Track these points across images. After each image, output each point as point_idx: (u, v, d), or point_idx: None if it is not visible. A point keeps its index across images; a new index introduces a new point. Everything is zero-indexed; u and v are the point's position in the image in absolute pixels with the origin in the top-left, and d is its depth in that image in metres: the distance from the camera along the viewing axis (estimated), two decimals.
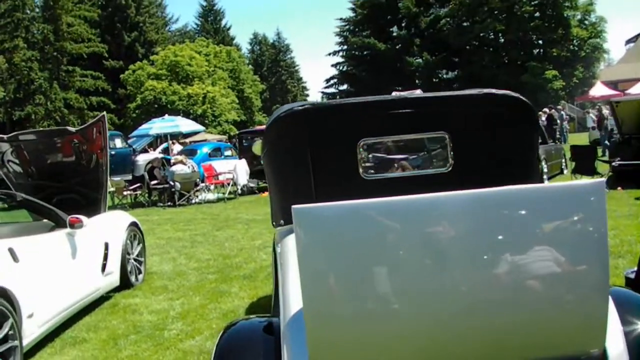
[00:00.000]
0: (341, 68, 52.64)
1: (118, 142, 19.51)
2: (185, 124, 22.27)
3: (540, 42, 45.14)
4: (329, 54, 53.77)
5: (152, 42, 50.95)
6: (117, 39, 48.95)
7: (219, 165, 18.28)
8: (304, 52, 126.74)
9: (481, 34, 46.28)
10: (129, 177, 17.95)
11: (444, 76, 50.52)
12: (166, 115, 25.20)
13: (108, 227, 6.99)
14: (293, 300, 2.65)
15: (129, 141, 23.74)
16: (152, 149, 25.06)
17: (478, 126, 3.60)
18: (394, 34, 50.03)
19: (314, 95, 69.31)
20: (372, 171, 3.73)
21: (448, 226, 2.25)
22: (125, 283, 7.10)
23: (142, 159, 19.56)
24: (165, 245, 10.10)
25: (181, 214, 14.32)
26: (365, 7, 48.93)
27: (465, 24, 46.34)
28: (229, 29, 63.44)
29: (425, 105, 3.74)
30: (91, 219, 6.32)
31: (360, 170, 3.59)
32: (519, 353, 2.32)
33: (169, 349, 5.17)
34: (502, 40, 46.40)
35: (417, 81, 45.39)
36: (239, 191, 17.20)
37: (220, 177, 17.45)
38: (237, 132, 40.57)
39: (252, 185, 17.93)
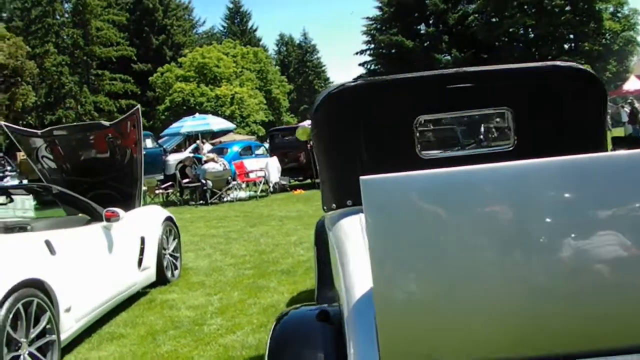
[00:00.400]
0: (369, 67, 52.25)
1: (149, 142, 19.47)
2: (215, 122, 22.18)
3: (572, 36, 44.20)
4: (357, 53, 53.33)
5: (180, 44, 51.29)
6: (146, 42, 49.36)
7: (250, 163, 18.17)
8: (330, 52, 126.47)
9: (510, 30, 45.48)
10: (161, 176, 17.90)
11: None
12: (197, 114, 25.16)
13: (144, 221, 6.84)
14: (357, 286, 2.43)
15: (160, 141, 23.73)
16: (182, 149, 25.04)
17: (543, 101, 3.36)
18: (422, 31, 49.53)
19: None
20: (430, 150, 3.52)
21: (546, 196, 1.98)
22: (161, 279, 6.95)
23: (172, 159, 19.53)
24: (200, 242, 9.95)
25: (213, 211, 14.19)
26: (392, 4, 48.44)
27: (494, 19, 45.62)
28: (255, 30, 63.69)
29: (486, 79, 3.49)
30: (127, 213, 6.17)
31: (417, 148, 3.37)
32: (620, 338, 2.05)
33: (210, 344, 4.99)
34: (532, 35, 45.61)
35: None
36: (271, 189, 17.04)
37: (252, 175, 17.31)
38: (265, 132, 40.84)
39: (283, 182, 17.78)
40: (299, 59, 69.01)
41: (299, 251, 8.60)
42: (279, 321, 2.71)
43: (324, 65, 71.69)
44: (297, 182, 19.53)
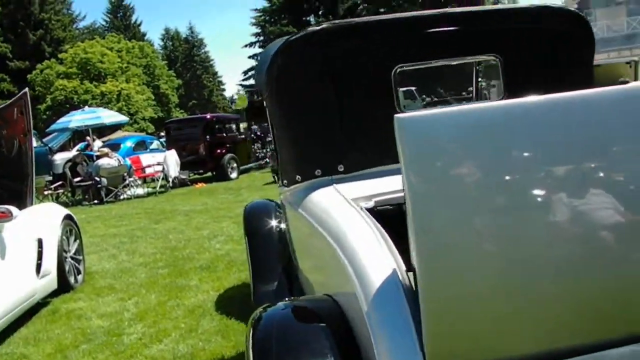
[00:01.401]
0: (259, 59, 51.53)
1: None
2: (107, 115, 20.63)
3: None
4: (246, 46, 52.62)
5: (60, 40, 48.12)
6: (22, 37, 45.90)
7: (146, 158, 17.10)
8: (218, 46, 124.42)
9: None
10: (49, 177, 16.44)
11: None
12: (86, 107, 23.49)
13: (40, 221, 5.92)
14: (374, 273, 1.87)
15: (46, 138, 21.95)
16: (68, 148, 23.30)
17: (533, 47, 2.94)
18: (312, 22, 49.35)
19: (231, 89, 68.08)
20: (410, 105, 3.02)
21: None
22: (63, 285, 6.06)
23: (59, 158, 17.99)
24: (101, 243, 8.99)
25: (111, 210, 13.09)
26: None
27: (382, 9, 46.17)
28: (139, 24, 61.04)
29: (471, 22, 3.01)
30: (21, 212, 5.26)
31: (397, 104, 2.85)
32: None
33: (133, 357, 4.27)
34: None
35: None
36: (170, 184, 16.05)
37: (149, 170, 16.27)
38: (155, 129, 39.17)
39: (183, 177, 16.86)
40: (186, 54, 67.05)
41: (215, 245, 7.93)
42: (257, 325, 2.11)
43: (212, 60, 70.21)
44: (197, 176, 18.63)
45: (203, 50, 69.49)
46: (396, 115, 1.47)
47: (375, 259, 1.94)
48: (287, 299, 4.20)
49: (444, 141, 1.50)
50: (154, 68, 48.61)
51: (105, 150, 15.41)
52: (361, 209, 2.36)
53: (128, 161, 15.94)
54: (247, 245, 4.69)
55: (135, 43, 47.54)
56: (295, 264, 3.52)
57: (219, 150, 17.76)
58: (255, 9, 51.61)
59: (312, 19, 49.58)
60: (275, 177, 3.37)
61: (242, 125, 21.04)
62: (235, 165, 18.09)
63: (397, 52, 2.88)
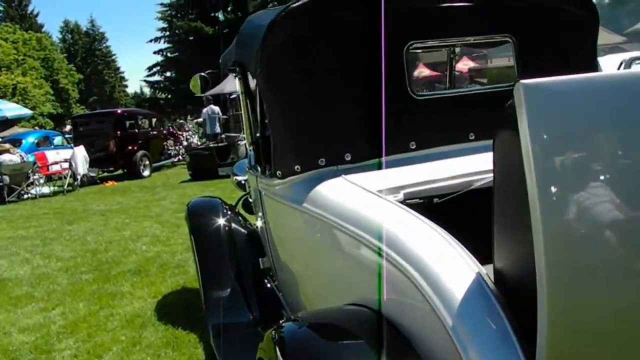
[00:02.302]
0: (166, 54, 49.97)
1: None
2: (9, 108, 19.03)
3: None
4: (151, 41, 50.79)
5: None
6: None
7: (51, 155, 15.92)
8: (121, 40, 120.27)
9: None
10: None
11: None
12: None
13: None
14: (443, 275, 1.52)
15: None
16: None
17: (546, 27, 2.70)
18: (220, 17, 48.42)
19: (134, 85, 66.08)
20: (422, 87, 2.69)
21: None
22: None
23: None
24: (10, 246, 8.14)
25: (15, 210, 12.01)
26: None
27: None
28: (36, 15, 57.83)
29: None
30: None
31: (408, 86, 2.50)
32: None
33: None
34: None
35: None
36: (78, 182, 14.99)
37: (55, 167, 15.15)
38: (54, 125, 37.12)
39: (92, 174, 15.82)
40: (86, 48, 64.20)
41: (141, 247, 7.33)
42: (289, 343, 1.70)
43: (114, 55, 67.60)
44: (107, 174, 17.61)
45: (104, 45, 66.89)
46: (522, 82, 1.19)
47: (447, 261, 1.57)
48: (250, 309, 3.74)
49: (583, 112, 1.18)
50: (52, 61, 46.30)
51: (6, 145, 14.20)
52: (400, 202, 1.99)
53: (32, 158, 14.77)
54: (194, 248, 4.24)
55: (32, 34, 45.01)
56: (275, 268, 3.09)
57: (130, 147, 16.84)
58: (161, 4, 49.95)
59: (220, 15, 48.67)
60: (259, 168, 2.93)
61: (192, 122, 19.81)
62: (147, 162, 17.23)
63: (409, 27, 2.53)
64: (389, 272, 1.70)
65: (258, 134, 2.84)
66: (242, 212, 4.71)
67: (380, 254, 1.74)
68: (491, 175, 2.17)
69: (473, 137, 2.68)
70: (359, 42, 2.52)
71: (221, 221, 4.31)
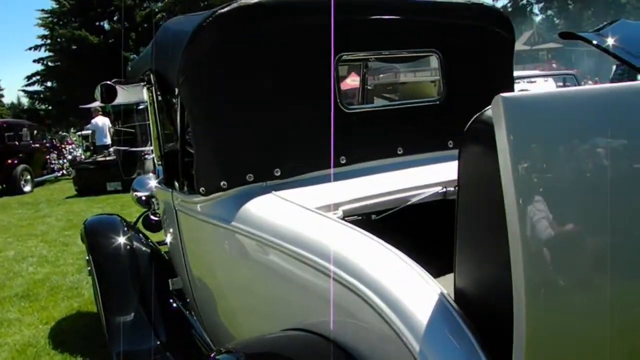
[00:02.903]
0: (47, 63, 47.63)
1: None
2: None
3: None
4: (31, 49, 48.29)
5: None
6: None
7: None
8: None
9: None
10: None
11: None
12: None
13: None
14: (400, 293, 1.50)
15: None
16: None
17: (468, 43, 2.77)
18: (106, 27, 46.84)
19: (11, 95, 62.68)
20: (351, 100, 2.67)
21: None
22: None
23: None
24: None
25: None
26: None
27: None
28: None
29: (414, 12, 2.77)
30: None
31: (338, 99, 2.46)
32: None
33: None
34: None
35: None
36: None
37: None
38: None
39: None
40: None
41: (27, 268, 6.89)
42: None
43: None
44: None
45: None
46: (502, 95, 1.18)
47: (406, 281, 1.53)
48: (157, 334, 3.55)
49: (562, 125, 1.21)
50: None
51: None
52: (339, 219, 1.93)
53: None
54: (94, 269, 4.00)
55: None
56: (191, 290, 2.93)
57: (9, 161, 15.77)
58: (42, 10, 47.76)
59: (106, 24, 47.10)
60: (177, 183, 2.78)
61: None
62: (29, 177, 16.22)
63: (340, 38, 2.48)
64: (339, 294, 1.64)
65: (178, 147, 2.70)
66: (142, 229, 4.51)
67: (328, 276, 1.67)
68: (425, 191, 2.18)
69: (401, 152, 2.69)
70: (288, 53, 2.46)
71: (122, 240, 4.10)
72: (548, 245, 1.18)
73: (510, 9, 47.97)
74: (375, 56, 2.90)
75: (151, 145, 4.93)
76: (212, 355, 1.79)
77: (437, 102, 2.88)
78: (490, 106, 1.31)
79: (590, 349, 1.31)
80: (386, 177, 2.49)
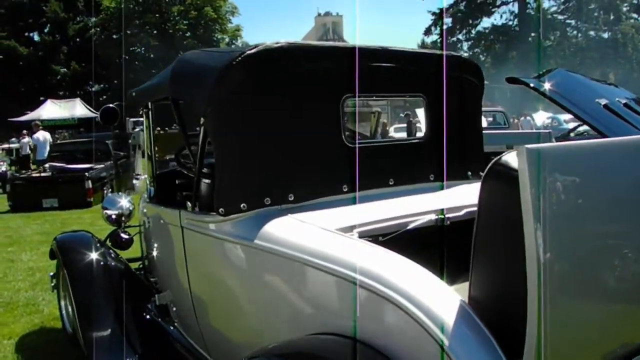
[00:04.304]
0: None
1: None
2: None
3: None
4: None
5: None
6: None
7: None
8: None
9: (132, 48, 45.19)
10: None
11: (91, 89, 47.85)
12: None
13: None
14: (428, 299, 1.81)
15: None
16: None
17: (448, 89, 3.17)
18: (36, 39, 45.65)
19: None
20: (350, 136, 3.00)
21: None
22: None
23: None
24: None
25: None
26: (2, 6, 43.49)
27: (115, 36, 44.66)
28: None
29: (405, 61, 3.18)
30: None
31: (343, 134, 2.78)
32: None
33: None
34: (153, 55, 45.97)
35: (60, 92, 42.01)
36: None
37: None
38: None
39: None
40: None
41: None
42: None
43: None
44: None
45: None
46: (527, 147, 1.51)
47: (430, 289, 1.85)
48: (137, 348, 3.69)
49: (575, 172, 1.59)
50: None
51: None
52: (360, 237, 2.23)
53: None
54: (70, 285, 4.10)
55: None
56: (193, 303, 3.10)
57: None
58: None
59: (36, 35, 45.99)
60: (189, 203, 2.98)
61: None
62: None
63: (345, 81, 2.82)
64: (370, 301, 1.90)
65: (196, 171, 2.92)
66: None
67: (359, 285, 1.94)
68: (420, 217, 2.51)
69: (392, 183, 3.03)
70: (301, 92, 2.77)
71: (97, 256, 4.22)
72: (555, 264, 1.51)
73: (440, 45, 49.94)
74: (374, 99, 3.25)
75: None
76: (249, 355, 2.01)
77: (422, 141, 3.29)
78: (507, 151, 1.70)
79: (584, 350, 1.69)
80: (384, 204, 2.82)
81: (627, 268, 1.75)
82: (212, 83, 2.58)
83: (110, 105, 3.92)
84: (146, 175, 3.83)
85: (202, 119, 2.68)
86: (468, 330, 1.70)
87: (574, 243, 1.61)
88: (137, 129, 15.07)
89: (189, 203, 2.96)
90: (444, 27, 48.71)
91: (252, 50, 2.59)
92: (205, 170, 2.90)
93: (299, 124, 2.76)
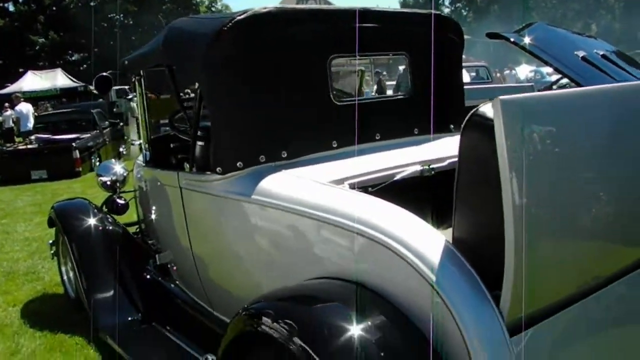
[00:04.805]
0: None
1: None
2: None
3: None
4: None
5: None
6: None
7: None
8: None
9: (110, 15, 44.60)
10: None
11: (72, 58, 47.30)
12: None
13: None
14: (423, 245, 1.96)
15: None
16: None
17: (429, 47, 3.30)
18: (11, 9, 44.83)
19: None
20: (338, 94, 3.13)
21: None
22: None
23: None
24: None
25: None
26: None
27: (93, 3, 44.01)
28: None
29: (389, 21, 3.31)
30: None
31: (331, 93, 2.92)
32: None
33: None
34: (132, 22, 45.40)
35: (40, 63, 41.46)
36: None
37: None
38: None
39: None
40: None
41: None
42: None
43: None
44: None
45: None
46: (501, 98, 1.64)
47: (419, 232, 2.02)
48: (140, 307, 3.84)
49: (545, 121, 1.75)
50: None
51: None
52: (351, 188, 2.39)
53: None
54: (71, 250, 4.24)
55: None
56: (194, 260, 3.25)
57: None
58: None
59: (11, 5, 45.17)
60: (187, 164, 3.11)
61: None
62: None
63: (331, 42, 2.96)
64: (364, 245, 2.07)
65: (191, 133, 3.04)
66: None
67: (356, 233, 2.10)
68: (405, 169, 2.69)
69: (379, 137, 3.19)
70: (291, 54, 2.90)
71: (95, 221, 4.36)
72: (530, 207, 1.67)
73: (421, 1, 49.67)
74: (360, 58, 3.37)
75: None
76: (252, 302, 2.16)
77: (405, 97, 3.44)
78: (483, 103, 1.85)
79: (558, 282, 1.88)
80: (372, 157, 2.97)
81: (598, 209, 1.94)
82: (204, 49, 2.69)
83: (104, 73, 4.00)
84: (141, 141, 3.94)
85: (196, 83, 2.79)
86: (453, 267, 1.87)
87: (547, 187, 1.77)
88: (123, 98, 15.00)
89: (186, 164, 3.09)
90: None
91: (242, 16, 2.70)
92: (199, 133, 3.02)
93: (288, 85, 2.88)
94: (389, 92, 10.30)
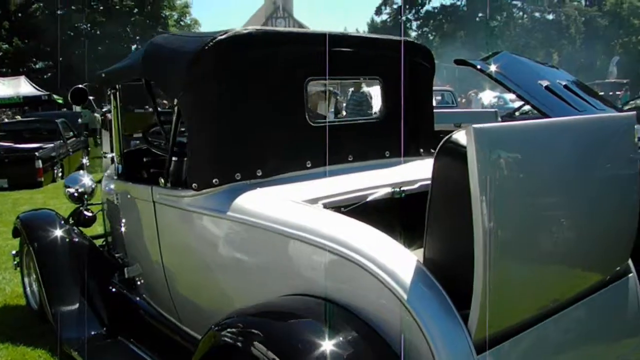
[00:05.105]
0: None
1: None
2: None
3: (138, 38, 45.18)
4: None
5: None
6: None
7: None
8: None
9: (77, 25, 44.12)
10: None
11: (36, 65, 46.58)
12: None
13: None
14: (392, 262, 2.05)
15: None
16: None
17: (404, 73, 3.42)
18: None
19: None
20: (312, 116, 3.21)
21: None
22: None
23: None
24: None
25: None
26: None
27: (60, 11, 43.45)
28: None
29: (364, 46, 3.44)
30: None
31: (306, 114, 3.00)
32: None
33: None
34: (100, 32, 44.97)
35: (3, 69, 40.74)
36: None
37: None
38: None
39: None
40: None
41: None
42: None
43: None
44: None
45: None
46: (474, 126, 1.75)
47: (390, 251, 2.10)
48: (106, 320, 3.84)
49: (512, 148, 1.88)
50: None
51: None
52: (325, 208, 2.47)
53: None
54: (36, 261, 4.22)
55: None
56: (165, 273, 3.26)
57: None
58: None
59: None
60: (162, 179, 3.14)
61: None
62: None
63: (309, 65, 3.05)
64: (336, 263, 2.15)
65: (168, 148, 3.09)
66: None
67: (329, 251, 2.17)
68: (377, 190, 2.79)
69: (351, 159, 3.27)
70: (269, 75, 2.99)
71: (61, 233, 4.34)
72: (498, 230, 1.78)
73: (390, 24, 50.35)
74: (334, 81, 3.48)
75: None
76: (225, 317, 2.21)
77: (378, 120, 3.54)
78: (456, 130, 1.97)
79: (521, 303, 2.01)
80: (344, 178, 3.05)
81: (560, 234, 2.06)
82: (185, 67, 2.75)
83: (80, 85, 4.02)
84: (114, 154, 3.96)
85: (175, 100, 2.84)
86: (424, 286, 1.95)
87: (515, 212, 1.89)
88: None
89: (161, 179, 3.12)
90: (394, 6, 49.29)
91: (223, 36, 2.77)
92: (175, 148, 3.07)
93: (266, 105, 2.96)
94: (343, 113, 10.58)
